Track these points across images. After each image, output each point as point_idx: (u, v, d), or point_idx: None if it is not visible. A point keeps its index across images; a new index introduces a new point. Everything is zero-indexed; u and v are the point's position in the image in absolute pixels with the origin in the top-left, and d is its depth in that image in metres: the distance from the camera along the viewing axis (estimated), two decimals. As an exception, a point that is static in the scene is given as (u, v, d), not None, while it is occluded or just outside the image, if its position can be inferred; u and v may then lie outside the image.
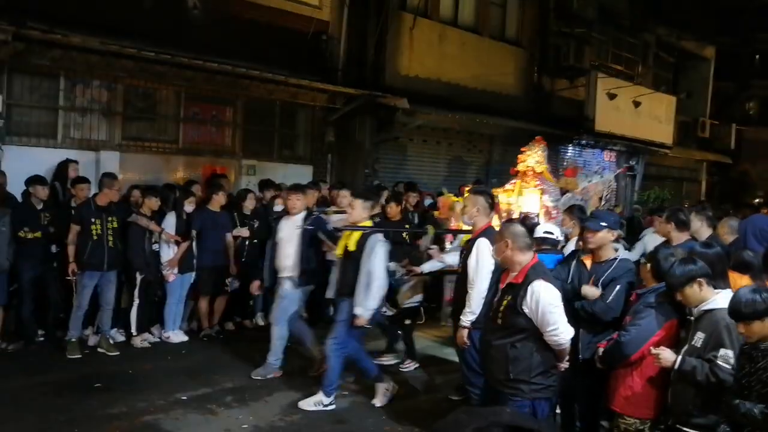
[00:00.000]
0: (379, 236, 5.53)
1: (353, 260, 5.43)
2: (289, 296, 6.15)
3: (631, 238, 9.22)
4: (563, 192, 6.55)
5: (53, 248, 6.81)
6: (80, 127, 8.43)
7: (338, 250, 5.65)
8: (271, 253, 6.29)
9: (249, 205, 7.87)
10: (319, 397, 5.56)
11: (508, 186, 6.32)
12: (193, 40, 8.74)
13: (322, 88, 10.04)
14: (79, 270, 6.59)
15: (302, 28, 10.17)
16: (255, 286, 6.76)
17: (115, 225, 6.74)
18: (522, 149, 6.48)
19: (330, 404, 5.56)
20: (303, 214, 6.24)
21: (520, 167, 6.22)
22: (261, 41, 9.53)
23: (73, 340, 6.58)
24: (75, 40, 7.49)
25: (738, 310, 3.18)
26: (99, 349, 6.73)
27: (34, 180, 6.71)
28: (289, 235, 6.15)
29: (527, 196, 6.02)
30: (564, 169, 7.82)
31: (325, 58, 10.52)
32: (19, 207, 6.71)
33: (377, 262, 5.35)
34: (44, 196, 6.70)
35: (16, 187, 6.95)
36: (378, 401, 5.68)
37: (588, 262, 4.50)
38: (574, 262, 4.58)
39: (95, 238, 6.58)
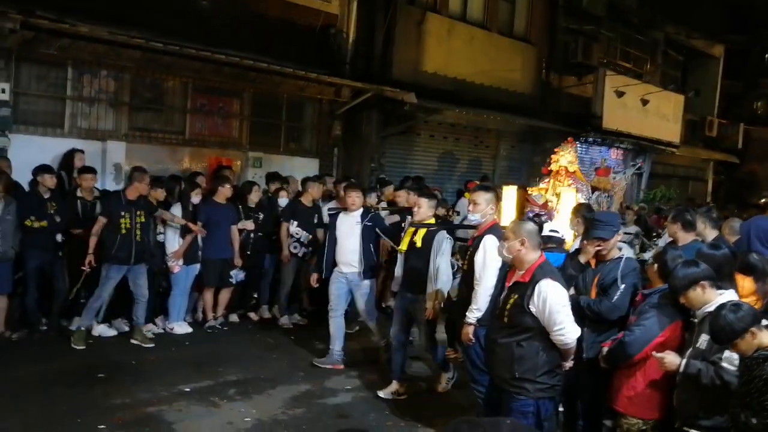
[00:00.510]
0: (445, 233, 5.77)
1: (419, 256, 5.67)
2: (366, 286, 6.51)
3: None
4: (594, 190, 6.69)
5: (59, 237, 6.81)
6: (87, 117, 8.43)
7: (403, 246, 5.88)
8: (329, 246, 6.60)
9: (254, 197, 7.86)
10: (395, 386, 5.79)
11: (541, 185, 6.48)
12: (201, 32, 8.73)
13: (329, 81, 10.01)
14: (106, 263, 6.58)
15: (311, 21, 10.16)
16: (314, 279, 7.01)
17: (143, 219, 6.72)
18: (555, 150, 6.75)
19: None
20: (361, 210, 6.60)
21: (553, 167, 6.41)
22: (269, 33, 9.52)
23: (82, 329, 6.59)
24: (83, 30, 7.47)
25: (717, 338, 3.24)
26: (133, 341, 6.75)
27: (41, 169, 6.72)
28: (348, 230, 6.48)
29: (565, 194, 6.18)
30: (596, 168, 8.20)
31: (333, 51, 10.50)
32: (25, 195, 6.72)
33: (444, 257, 5.63)
34: (52, 185, 6.71)
35: (22, 176, 6.95)
36: (383, 393, 5.75)
37: (593, 261, 4.49)
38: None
39: (123, 231, 6.56)
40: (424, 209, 5.84)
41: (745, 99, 24.53)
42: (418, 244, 5.71)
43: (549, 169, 6.62)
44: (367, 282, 6.48)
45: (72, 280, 6.97)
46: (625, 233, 8.82)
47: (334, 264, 6.53)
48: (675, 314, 3.83)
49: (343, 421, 5.28)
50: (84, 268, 6.63)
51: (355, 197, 6.56)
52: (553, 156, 6.61)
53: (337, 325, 6.48)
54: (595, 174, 7.91)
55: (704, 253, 4.04)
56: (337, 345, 6.46)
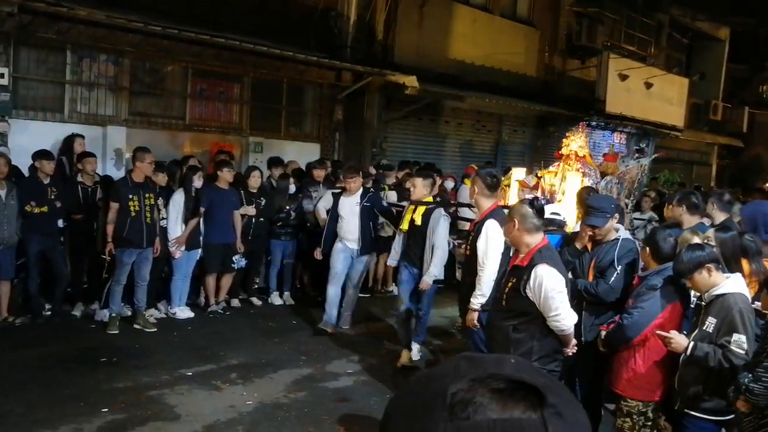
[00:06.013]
0: (443, 211, 6.08)
1: (420, 233, 5.99)
2: (362, 261, 7.14)
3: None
4: (603, 175, 6.68)
5: (60, 223, 6.81)
6: (87, 102, 8.40)
7: (404, 225, 6.20)
8: (330, 225, 7.16)
9: (255, 183, 7.85)
10: (407, 355, 6.21)
11: (552, 168, 6.56)
12: (201, 15, 8.67)
13: (330, 65, 9.95)
14: (117, 248, 6.58)
15: (311, 4, 10.07)
16: (317, 253, 7.33)
17: (152, 201, 6.71)
18: (567, 134, 6.82)
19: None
20: (360, 191, 7.09)
21: (564, 151, 6.51)
22: (269, 17, 9.44)
23: (113, 315, 6.65)
24: (81, 13, 7.40)
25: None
26: (135, 326, 6.75)
27: (40, 154, 6.70)
28: (349, 211, 6.99)
29: (570, 179, 6.23)
30: (605, 154, 8.50)
31: (334, 34, 10.41)
32: (25, 181, 6.71)
33: (441, 234, 5.95)
34: (50, 171, 6.68)
35: (22, 162, 6.94)
36: (400, 363, 6.13)
37: (589, 245, 4.48)
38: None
39: (133, 214, 6.55)
40: (419, 188, 6.15)
41: (750, 83, 24.31)
42: (417, 221, 6.01)
43: (560, 153, 6.66)
44: (358, 256, 7.05)
45: (74, 265, 6.99)
46: (638, 219, 8.84)
47: (332, 241, 7.11)
48: (672, 295, 3.83)
49: (344, 405, 5.29)
50: (104, 256, 6.66)
51: (351, 181, 7.00)
52: (564, 140, 6.68)
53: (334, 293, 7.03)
54: (603, 159, 7.96)
55: (718, 237, 4.05)
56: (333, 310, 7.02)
